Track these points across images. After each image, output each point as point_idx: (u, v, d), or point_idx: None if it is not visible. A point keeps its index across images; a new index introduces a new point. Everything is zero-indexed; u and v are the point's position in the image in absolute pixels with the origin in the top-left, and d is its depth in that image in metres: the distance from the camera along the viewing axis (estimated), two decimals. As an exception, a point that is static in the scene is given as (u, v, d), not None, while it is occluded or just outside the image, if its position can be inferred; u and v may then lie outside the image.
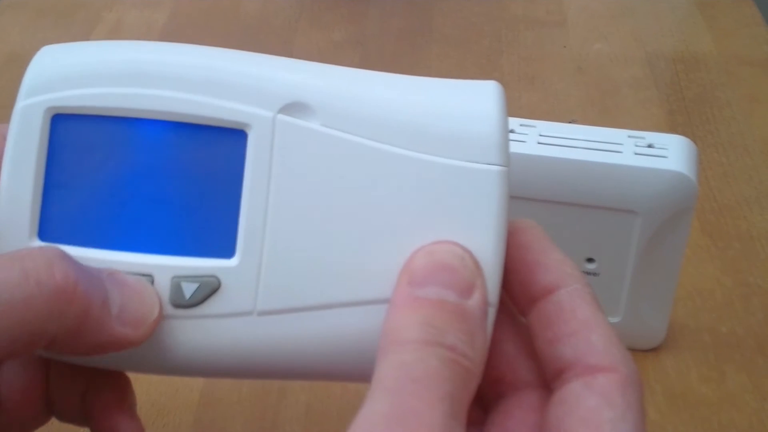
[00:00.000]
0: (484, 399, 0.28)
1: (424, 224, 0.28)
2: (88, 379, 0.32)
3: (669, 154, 0.43)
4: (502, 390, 0.28)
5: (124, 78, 0.29)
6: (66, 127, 0.29)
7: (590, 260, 0.45)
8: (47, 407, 0.33)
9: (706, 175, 0.60)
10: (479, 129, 0.28)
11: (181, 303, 0.28)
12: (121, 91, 0.29)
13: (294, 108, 0.28)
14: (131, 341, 0.28)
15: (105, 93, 0.29)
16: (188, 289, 0.28)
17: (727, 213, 0.57)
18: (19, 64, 0.70)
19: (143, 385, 0.35)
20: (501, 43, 0.75)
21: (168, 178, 0.29)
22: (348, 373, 0.29)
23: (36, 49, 0.31)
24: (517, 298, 0.28)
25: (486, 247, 0.27)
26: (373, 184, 0.28)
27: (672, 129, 0.64)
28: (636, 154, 0.43)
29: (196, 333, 0.29)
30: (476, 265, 0.27)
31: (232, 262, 0.28)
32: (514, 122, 0.44)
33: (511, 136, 0.43)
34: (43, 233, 0.29)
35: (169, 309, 0.29)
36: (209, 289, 0.28)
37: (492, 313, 0.27)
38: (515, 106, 0.67)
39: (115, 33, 0.76)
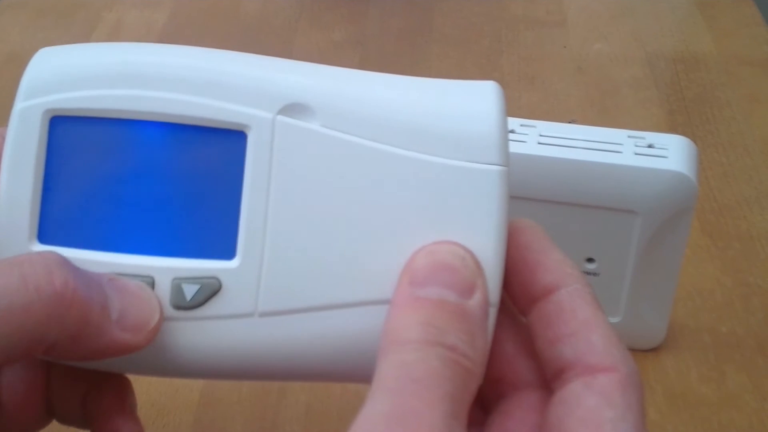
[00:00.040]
0: (485, 399, 0.28)
1: (425, 224, 0.28)
2: (88, 382, 0.32)
3: (669, 154, 0.43)
4: (503, 390, 0.28)
5: (123, 80, 0.29)
6: (65, 129, 0.29)
7: (590, 260, 0.45)
8: (48, 410, 0.33)
9: (706, 175, 0.60)
10: (479, 129, 0.28)
11: (182, 305, 0.28)
12: (120, 92, 0.29)
13: (294, 109, 0.28)
14: (131, 346, 0.28)
15: (104, 95, 0.29)
16: (189, 291, 0.28)
17: (727, 213, 0.57)
18: (18, 64, 0.70)
19: (143, 386, 0.35)
20: (501, 43, 0.75)
21: (168, 180, 0.29)
22: (349, 374, 0.29)
23: (36, 49, 0.31)
24: (518, 298, 0.28)
25: (487, 247, 0.27)
26: (373, 185, 0.28)
27: (672, 129, 0.64)
28: (636, 154, 0.43)
29: (197, 335, 0.29)
30: (477, 265, 0.27)
31: (232, 263, 0.28)
32: (514, 122, 0.44)
33: (511, 136, 0.43)
34: (43, 236, 0.29)
35: (170, 311, 0.29)
36: (210, 290, 0.28)
37: (493, 313, 0.27)
38: (515, 106, 0.67)
39: (115, 33, 0.76)
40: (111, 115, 0.29)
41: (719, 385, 0.46)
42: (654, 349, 0.47)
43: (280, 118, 0.28)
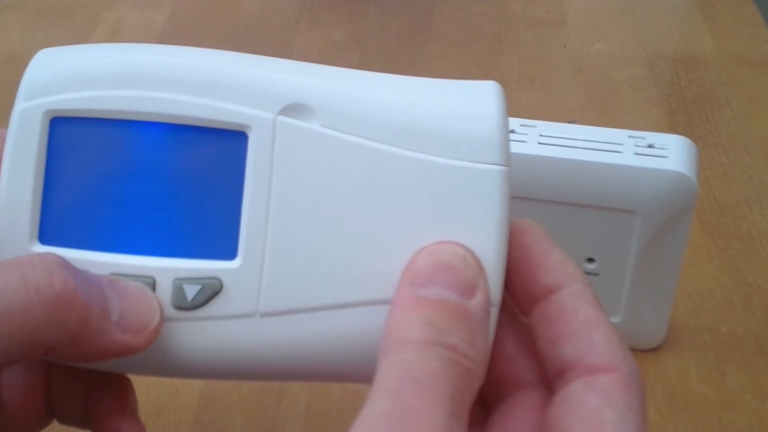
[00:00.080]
0: (486, 399, 0.28)
1: (426, 225, 0.28)
2: (89, 382, 0.32)
3: (669, 154, 0.43)
4: (504, 390, 0.28)
5: (124, 80, 0.29)
6: (65, 130, 0.29)
7: (590, 260, 0.45)
8: (48, 410, 0.33)
9: (706, 175, 0.60)
10: (480, 129, 0.28)
11: (183, 305, 0.28)
12: (121, 93, 0.29)
13: (294, 109, 0.28)
14: (132, 348, 0.28)
15: (104, 96, 0.29)
16: (190, 291, 0.28)
17: (727, 213, 0.57)
18: (18, 64, 0.70)
19: (143, 386, 0.35)
20: (501, 43, 0.75)
21: (169, 181, 0.29)
22: (350, 374, 0.29)
23: (36, 49, 0.31)
24: (519, 298, 0.28)
25: (488, 247, 0.27)
26: (374, 185, 0.28)
27: (672, 129, 0.64)
28: (636, 154, 0.43)
29: (199, 335, 0.29)
30: (478, 265, 0.27)
31: (234, 263, 0.28)
32: (514, 122, 0.44)
33: (512, 136, 0.43)
34: (44, 237, 0.29)
35: (171, 311, 0.29)
36: (211, 291, 0.28)
37: (494, 313, 0.27)
38: (515, 106, 0.67)
39: (115, 33, 0.76)
40: (112, 115, 0.29)
41: (719, 385, 0.46)
42: (654, 349, 0.47)
43: (280, 118, 0.28)
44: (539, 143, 0.43)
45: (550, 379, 0.27)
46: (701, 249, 0.54)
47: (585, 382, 0.25)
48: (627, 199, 0.43)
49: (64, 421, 0.33)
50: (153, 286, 0.28)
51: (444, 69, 0.72)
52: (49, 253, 0.27)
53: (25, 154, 0.29)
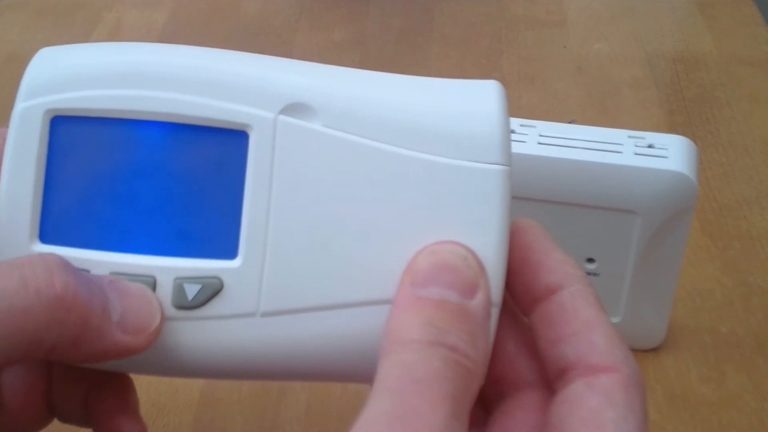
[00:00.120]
0: (486, 399, 0.28)
1: (427, 224, 0.28)
2: (90, 381, 0.32)
3: (669, 154, 0.43)
4: (504, 390, 0.28)
5: (124, 79, 0.29)
6: (66, 129, 0.29)
7: (590, 260, 0.45)
8: (49, 409, 0.33)
9: (706, 175, 0.60)
10: (481, 128, 0.28)
11: (183, 305, 0.28)
12: (121, 92, 0.29)
13: (295, 109, 0.28)
14: (132, 349, 0.28)
15: (105, 95, 0.29)
16: (191, 291, 0.28)
17: (727, 213, 0.57)
18: (19, 64, 0.70)
19: (143, 385, 0.35)
20: (501, 43, 0.75)
21: (169, 180, 0.29)
22: (351, 374, 0.29)
23: (36, 49, 0.30)
24: (519, 298, 0.28)
25: (489, 247, 0.27)
26: (375, 185, 0.28)
27: (672, 129, 0.64)
28: (636, 154, 0.43)
29: (199, 335, 0.29)
30: (479, 265, 0.27)
31: (234, 263, 0.28)
32: (514, 122, 0.44)
33: (512, 136, 0.43)
34: (44, 235, 0.29)
35: (172, 311, 0.29)
36: (212, 290, 0.28)
37: (495, 313, 0.27)
38: (515, 106, 0.67)
39: (115, 33, 0.76)
40: (112, 115, 0.29)
41: (719, 385, 0.46)
42: (654, 349, 0.47)
43: (281, 117, 0.28)
44: (539, 143, 0.43)
45: (550, 379, 0.27)
46: (701, 249, 0.54)
47: (586, 383, 0.25)
48: (627, 199, 0.43)
49: (65, 420, 0.33)
50: (153, 285, 0.28)
51: (444, 69, 0.72)
52: (49, 254, 0.27)
53: (25, 153, 0.29)
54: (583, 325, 0.26)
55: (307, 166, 0.28)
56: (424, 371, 0.24)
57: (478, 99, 0.29)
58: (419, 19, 0.78)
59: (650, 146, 0.43)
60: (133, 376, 0.33)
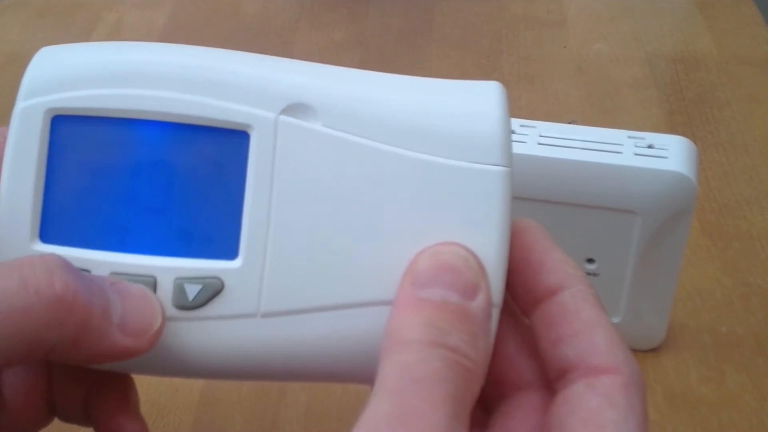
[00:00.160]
0: (487, 399, 0.28)
1: (428, 225, 0.28)
2: (91, 381, 0.32)
3: (669, 154, 0.43)
4: (505, 390, 0.28)
5: (125, 79, 0.29)
6: (66, 129, 0.29)
7: (590, 260, 0.45)
8: (50, 408, 0.33)
9: (706, 175, 0.60)
10: (482, 130, 0.28)
11: (184, 305, 0.28)
12: (122, 92, 0.29)
13: (296, 109, 0.28)
14: (133, 351, 0.27)
15: (106, 94, 0.29)
16: (191, 291, 0.28)
17: (727, 213, 0.57)
18: (19, 64, 0.70)
19: (143, 386, 0.35)
20: (501, 43, 0.75)
21: (170, 180, 0.29)
22: (351, 375, 0.29)
23: (36, 49, 0.30)
24: (520, 299, 0.28)
25: (490, 248, 0.27)
26: (375, 186, 0.28)
27: (672, 129, 0.64)
28: (636, 154, 0.43)
29: (199, 335, 0.29)
30: (480, 266, 0.27)
31: (235, 263, 0.28)
32: (514, 123, 0.44)
33: (512, 136, 0.43)
34: (45, 235, 0.29)
35: (172, 311, 0.28)
36: (212, 290, 0.28)
37: (495, 314, 0.27)
38: (515, 106, 0.67)
39: (115, 33, 0.76)
40: (113, 114, 0.29)
41: (719, 385, 0.46)
42: (654, 349, 0.47)
43: (282, 118, 0.28)
44: (539, 143, 0.43)
45: (551, 379, 0.27)
46: (701, 249, 0.54)
47: (586, 383, 0.25)
48: (627, 200, 0.43)
49: (66, 419, 0.33)
50: (154, 285, 0.28)
51: (444, 69, 0.72)
52: (50, 254, 0.27)
53: (26, 152, 0.29)
54: (584, 325, 0.26)
55: (308, 167, 0.28)
56: (425, 372, 0.24)
57: (479, 100, 0.29)
58: (419, 19, 0.78)
59: (650, 146, 0.43)
60: (134, 376, 0.33)
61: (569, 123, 0.52)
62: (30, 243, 0.29)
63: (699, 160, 0.44)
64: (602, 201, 0.43)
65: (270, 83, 0.29)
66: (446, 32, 0.77)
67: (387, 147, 0.28)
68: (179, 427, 0.43)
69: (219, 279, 0.28)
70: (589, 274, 0.45)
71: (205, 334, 0.29)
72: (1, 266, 0.26)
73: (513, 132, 0.44)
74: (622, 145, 0.43)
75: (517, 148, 0.43)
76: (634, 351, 0.46)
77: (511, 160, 0.28)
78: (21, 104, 0.29)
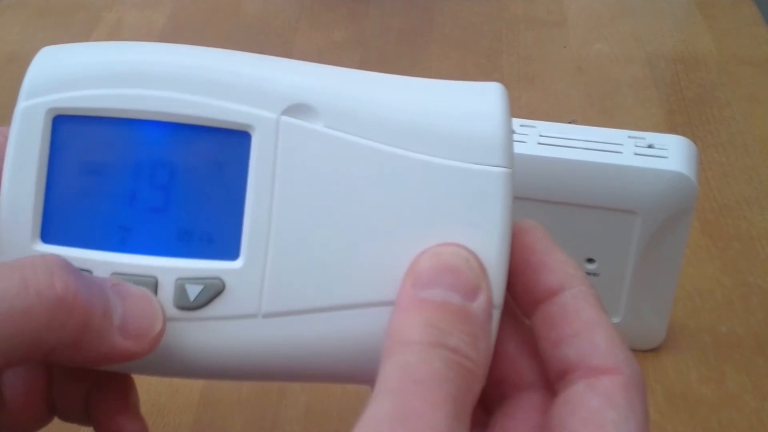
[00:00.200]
0: (487, 400, 0.28)
1: (429, 226, 0.28)
2: (91, 381, 0.32)
3: (669, 154, 0.43)
4: (505, 391, 0.28)
5: (127, 79, 0.29)
6: (67, 129, 0.29)
7: (590, 260, 0.45)
8: (50, 408, 0.33)
9: (706, 175, 0.60)
10: (483, 130, 0.28)
11: (185, 305, 0.28)
12: (124, 92, 0.29)
13: (297, 109, 0.28)
14: (133, 354, 0.27)
15: (107, 94, 0.29)
16: (192, 292, 0.28)
17: (727, 213, 0.57)
18: (19, 64, 0.70)
19: (143, 386, 0.35)
20: (501, 43, 0.75)
21: (171, 180, 0.29)
22: (352, 375, 0.29)
23: (36, 49, 0.30)
24: (521, 300, 0.28)
25: (491, 249, 0.27)
26: (377, 186, 0.28)
27: (672, 129, 0.64)
28: (636, 154, 0.43)
29: (201, 335, 0.29)
30: (481, 267, 0.27)
31: (236, 264, 0.28)
32: (514, 122, 0.44)
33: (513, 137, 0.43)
34: (46, 235, 0.29)
35: (174, 311, 0.28)
36: (213, 291, 0.28)
37: (496, 315, 0.27)
38: (515, 106, 0.67)
39: (115, 33, 0.76)
40: (114, 114, 0.29)
41: (719, 385, 0.46)
42: (654, 349, 0.47)
43: (284, 118, 0.28)
44: (539, 143, 0.43)
45: (552, 380, 0.27)
46: (701, 249, 0.54)
47: (587, 384, 0.25)
48: (627, 199, 0.43)
49: (66, 418, 0.33)
50: (155, 285, 0.28)
51: (444, 69, 0.72)
52: (51, 255, 0.27)
53: (27, 152, 0.29)
54: (585, 326, 0.26)
55: (309, 167, 0.28)
56: (426, 372, 0.24)
57: (480, 101, 0.29)
58: (419, 19, 0.79)
59: (650, 146, 0.43)
60: (134, 376, 0.33)
61: (569, 123, 0.52)
62: (31, 243, 0.29)
63: (699, 160, 0.44)
64: (602, 201, 0.43)
65: (271, 84, 0.29)
66: (446, 32, 0.77)
67: (388, 148, 0.28)
68: (179, 427, 0.43)
69: (220, 279, 0.28)
70: (589, 274, 0.45)
71: (206, 335, 0.29)
72: (1, 267, 0.26)
73: (513, 132, 0.44)
74: (622, 144, 0.43)
75: (517, 148, 0.42)
76: (634, 351, 0.46)
77: (512, 161, 0.28)
78: (22, 104, 0.29)
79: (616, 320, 0.46)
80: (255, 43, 0.75)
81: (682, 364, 0.47)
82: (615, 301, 0.46)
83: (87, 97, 0.29)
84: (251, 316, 0.28)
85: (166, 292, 0.28)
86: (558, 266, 0.28)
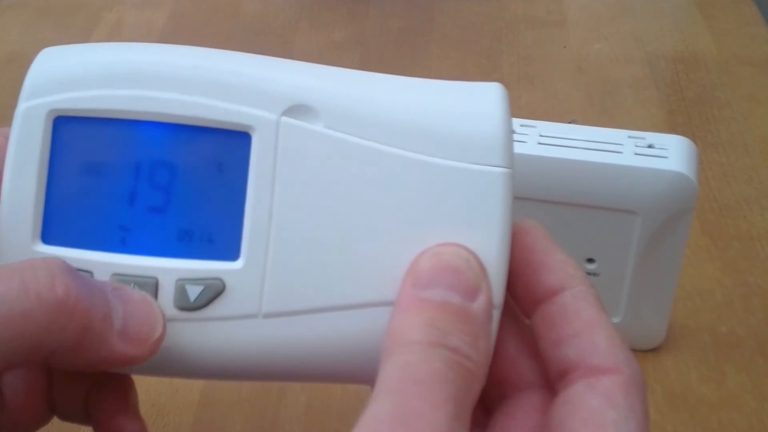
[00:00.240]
0: (487, 400, 0.29)
1: (429, 226, 0.28)
2: (91, 381, 0.32)
3: (669, 154, 0.43)
4: (505, 391, 0.28)
5: (127, 80, 0.29)
6: (68, 130, 0.29)
7: (590, 260, 0.45)
8: (50, 408, 0.33)
9: (706, 175, 0.60)
10: (483, 131, 0.28)
11: (185, 306, 0.28)
12: (124, 93, 0.29)
13: (298, 110, 0.29)
14: (132, 359, 0.27)
15: (107, 95, 0.29)
16: (193, 292, 0.28)
17: (727, 213, 0.57)
18: (19, 64, 0.70)
19: (143, 386, 0.35)
20: (501, 43, 0.75)
21: (172, 181, 0.29)
22: (352, 375, 0.29)
23: (36, 49, 0.30)
24: (521, 300, 0.28)
25: (491, 249, 0.28)
26: (377, 187, 0.28)
27: (672, 129, 0.64)
28: (636, 154, 0.43)
29: (201, 336, 0.29)
30: (481, 267, 0.27)
31: (236, 264, 0.28)
32: (514, 122, 0.44)
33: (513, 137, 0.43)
34: (46, 236, 0.29)
35: (174, 312, 0.29)
36: (214, 291, 0.28)
37: (496, 315, 0.27)
38: (515, 106, 0.67)
39: (115, 33, 0.76)
40: (115, 115, 0.29)
41: (719, 385, 0.46)
42: (654, 349, 0.47)
43: (284, 119, 0.28)
44: (539, 143, 0.43)
45: (552, 380, 0.27)
46: (701, 249, 0.54)
47: (587, 384, 0.25)
48: (627, 199, 0.43)
49: (66, 418, 0.33)
50: (156, 286, 0.28)
51: (444, 69, 0.72)
52: (51, 258, 0.27)
53: (28, 153, 0.29)
54: (585, 326, 0.26)
55: (310, 168, 0.28)
56: (426, 372, 0.24)
57: (480, 101, 0.29)
58: (419, 19, 0.79)
59: (650, 146, 0.43)
60: (134, 376, 0.33)
61: (569, 123, 0.52)
62: (31, 244, 0.29)
63: (699, 160, 0.44)
64: (602, 201, 0.43)
65: (271, 84, 0.29)
66: (446, 32, 0.77)
67: (388, 148, 0.28)
68: (179, 427, 0.43)
69: (221, 280, 0.28)
70: (589, 274, 0.45)
71: (206, 335, 0.29)
72: (1, 269, 0.26)
73: (513, 132, 0.44)
74: (622, 144, 0.43)
75: (517, 148, 0.42)
76: (634, 351, 0.46)
77: (512, 161, 0.28)
78: (23, 105, 0.29)
79: (616, 320, 0.46)
80: (255, 43, 0.75)
81: (682, 364, 0.47)
82: (615, 301, 0.46)
83: (88, 98, 0.29)
84: (252, 316, 0.28)
85: (167, 293, 0.28)
86: (558, 266, 0.28)
